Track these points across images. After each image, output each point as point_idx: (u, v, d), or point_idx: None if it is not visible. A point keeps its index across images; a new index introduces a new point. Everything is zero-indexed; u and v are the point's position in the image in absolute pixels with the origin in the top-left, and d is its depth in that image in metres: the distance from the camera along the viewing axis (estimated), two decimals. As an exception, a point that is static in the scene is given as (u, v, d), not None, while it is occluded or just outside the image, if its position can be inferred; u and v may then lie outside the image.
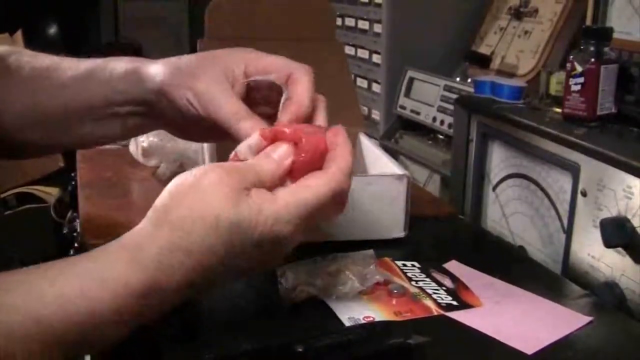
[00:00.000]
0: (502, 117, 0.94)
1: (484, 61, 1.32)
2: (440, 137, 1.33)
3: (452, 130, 1.09)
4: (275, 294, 0.67)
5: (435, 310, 0.67)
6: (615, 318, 0.70)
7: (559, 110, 0.91)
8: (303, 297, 0.66)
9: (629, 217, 0.74)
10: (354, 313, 0.65)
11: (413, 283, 0.72)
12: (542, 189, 0.89)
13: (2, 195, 1.74)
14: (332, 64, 1.00)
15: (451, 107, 1.21)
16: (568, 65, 0.88)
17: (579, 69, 0.87)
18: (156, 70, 0.69)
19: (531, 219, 0.92)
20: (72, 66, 0.75)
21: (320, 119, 0.65)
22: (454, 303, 0.68)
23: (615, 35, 0.88)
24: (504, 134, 0.94)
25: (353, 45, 1.56)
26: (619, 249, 0.75)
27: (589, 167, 0.79)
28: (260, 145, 0.59)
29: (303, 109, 0.64)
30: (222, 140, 0.68)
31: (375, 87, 1.51)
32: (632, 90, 0.88)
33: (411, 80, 1.40)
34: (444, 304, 0.68)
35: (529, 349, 0.61)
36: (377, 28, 1.48)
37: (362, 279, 0.69)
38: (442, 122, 1.29)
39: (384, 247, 0.78)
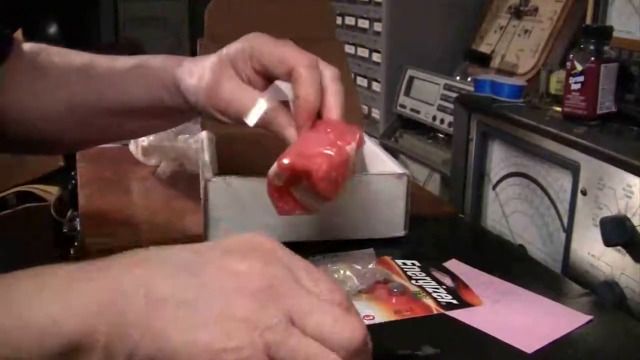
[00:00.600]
0: (502, 116, 0.94)
1: (484, 60, 1.32)
2: (440, 136, 1.33)
3: (452, 129, 1.09)
4: (275, 293, 0.67)
5: (435, 309, 0.67)
6: (615, 317, 0.70)
7: (559, 109, 0.91)
8: (303, 296, 0.66)
9: (629, 215, 0.74)
10: (354, 312, 0.65)
11: (413, 282, 0.72)
12: (542, 188, 0.89)
13: (2, 194, 1.74)
14: (332, 63, 1.00)
15: (451, 106, 1.21)
16: (568, 64, 0.88)
17: (579, 67, 0.86)
18: (191, 82, 0.70)
19: (531, 217, 0.92)
20: (106, 66, 0.76)
21: (332, 111, 0.65)
22: (454, 302, 0.68)
23: (615, 34, 0.88)
24: (504, 132, 0.94)
25: (353, 44, 1.56)
26: (619, 247, 0.75)
27: (589, 165, 0.79)
28: (282, 175, 0.62)
29: (309, 108, 0.64)
30: None
31: (375, 86, 1.51)
32: (632, 89, 0.88)
33: (411, 79, 1.40)
34: (444, 303, 0.68)
35: (529, 347, 0.61)
36: (377, 27, 1.48)
37: (362, 278, 0.69)
38: (442, 121, 1.29)
39: (384, 246, 0.78)
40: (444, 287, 0.71)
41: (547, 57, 1.23)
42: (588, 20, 0.96)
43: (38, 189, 1.76)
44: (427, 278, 0.73)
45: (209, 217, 0.77)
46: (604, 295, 0.75)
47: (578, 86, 0.87)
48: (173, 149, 1.01)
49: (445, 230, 0.90)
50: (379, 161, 0.89)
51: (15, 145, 0.82)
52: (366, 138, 0.95)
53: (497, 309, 0.68)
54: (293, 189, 0.63)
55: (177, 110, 0.74)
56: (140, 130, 0.83)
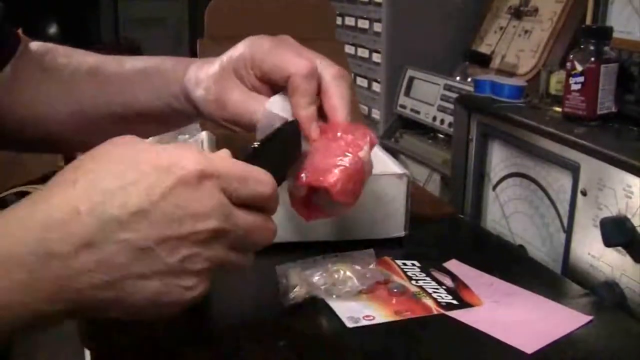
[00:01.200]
0: (502, 117, 0.94)
1: (484, 60, 1.33)
2: (440, 136, 1.33)
3: (452, 129, 1.09)
4: (275, 294, 0.67)
5: (435, 309, 0.67)
6: (615, 317, 0.70)
7: (559, 109, 0.91)
8: (303, 297, 0.66)
9: (629, 216, 0.74)
10: (354, 312, 0.65)
11: (413, 282, 0.72)
12: (542, 188, 0.89)
13: (2, 194, 1.74)
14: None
15: (451, 106, 1.21)
16: (568, 64, 0.88)
17: (579, 68, 0.87)
18: (204, 102, 0.70)
19: (531, 218, 0.92)
20: (117, 68, 0.76)
21: (337, 114, 0.65)
22: (454, 302, 0.68)
23: (615, 34, 0.88)
24: (504, 133, 0.94)
25: (353, 45, 1.56)
26: (619, 248, 0.75)
27: (589, 166, 0.79)
28: (302, 190, 0.63)
29: (306, 117, 0.64)
30: None
31: (375, 86, 1.51)
32: (632, 90, 0.88)
33: (411, 79, 1.40)
34: (444, 303, 0.68)
35: (529, 348, 0.61)
36: (377, 27, 1.48)
37: (362, 278, 0.69)
38: (442, 122, 1.29)
39: (384, 247, 0.78)
40: (444, 287, 0.71)
41: (547, 57, 1.23)
42: (588, 21, 0.96)
43: (38, 189, 1.76)
44: (427, 278, 0.73)
45: (209, 217, 0.77)
46: (604, 296, 0.75)
47: (578, 86, 0.87)
48: (173, 149, 1.01)
49: (445, 230, 0.90)
50: (379, 161, 0.88)
51: (18, 144, 0.82)
52: (366, 138, 0.95)
53: (497, 309, 0.68)
54: (314, 197, 0.64)
55: (186, 115, 0.74)
56: (148, 133, 0.84)
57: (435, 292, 0.70)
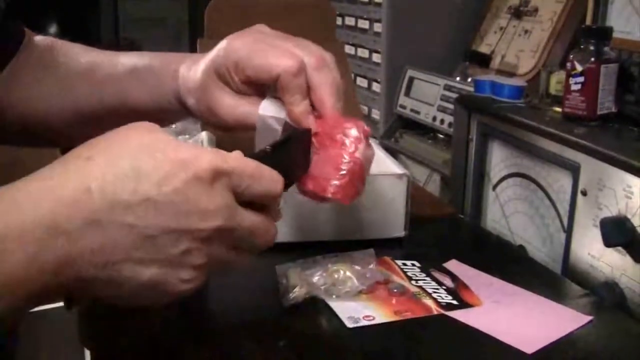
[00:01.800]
0: (502, 117, 0.94)
1: (484, 60, 1.33)
2: (440, 136, 1.33)
3: (452, 129, 1.09)
4: (275, 294, 0.67)
5: (435, 310, 0.67)
6: (615, 317, 0.70)
7: (559, 109, 0.91)
8: (303, 297, 0.66)
9: (629, 216, 0.74)
10: (354, 312, 0.65)
11: (413, 282, 0.72)
12: (542, 189, 0.89)
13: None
14: (332, 64, 1.00)
15: (451, 106, 1.21)
16: (568, 64, 0.88)
17: (579, 68, 0.86)
18: (196, 109, 0.70)
19: (531, 218, 0.92)
20: (110, 67, 0.76)
21: (326, 106, 0.64)
22: (454, 302, 0.68)
23: (615, 34, 0.88)
24: (504, 133, 0.94)
25: (353, 45, 1.56)
26: (619, 248, 0.75)
27: (589, 166, 0.79)
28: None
29: (300, 113, 0.64)
30: None
31: (375, 87, 1.51)
32: (632, 90, 0.88)
33: (411, 79, 1.40)
34: (444, 303, 0.68)
35: (529, 348, 0.61)
36: (377, 27, 1.48)
37: (362, 278, 0.69)
38: (442, 122, 1.29)
39: (384, 247, 0.78)
40: (444, 287, 0.71)
41: (547, 57, 1.23)
42: (588, 21, 0.96)
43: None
44: (427, 278, 0.73)
45: (209, 217, 0.77)
46: (604, 296, 0.75)
47: (578, 87, 0.87)
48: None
49: (445, 230, 0.90)
50: (379, 161, 0.88)
51: (19, 138, 0.83)
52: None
53: (497, 310, 0.68)
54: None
55: (180, 114, 0.74)
56: None
57: (435, 292, 0.70)
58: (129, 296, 0.50)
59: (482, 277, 0.74)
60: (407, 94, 1.40)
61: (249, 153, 0.54)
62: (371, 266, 0.70)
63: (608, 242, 0.75)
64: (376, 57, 1.50)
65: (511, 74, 1.27)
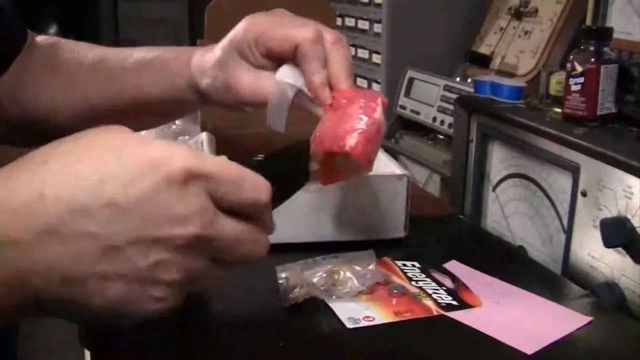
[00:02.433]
0: (502, 117, 0.94)
1: (484, 61, 1.32)
2: (440, 137, 1.33)
3: (452, 130, 1.09)
4: (275, 294, 0.67)
5: (435, 310, 0.67)
6: (615, 318, 0.70)
7: (559, 110, 0.91)
8: (303, 297, 0.66)
9: (629, 217, 0.74)
10: (354, 313, 0.65)
11: (413, 283, 0.72)
12: (542, 189, 0.89)
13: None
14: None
15: (451, 107, 1.21)
16: (568, 65, 0.88)
17: (579, 68, 0.86)
18: (213, 90, 0.71)
19: (531, 219, 0.92)
20: (120, 60, 0.76)
21: (340, 79, 0.66)
22: (454, 303, 0.68)
23: (615, 35, 0.88)
24: (504, 134, 0.94)
25: (353, 45, 1.56)
26: (619, 248, 0.75)
27: (589, 167, 0.79)
28: (320, 155, 0.64)
29: (319, 81, 0.65)
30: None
31: (375, 87, 1.51)
32: (632, 90, 0.88)
33: (411, 80, 1.40)
34: (444, 304, 0.68)
35: (529, 348, 0.61)
36: (377, 28, 1.48)
37: (362, 278, 0.69)
38: (442, 122, 1.29)
39: (384, 247, 0.78)
40: (444, 288, 0.71)
41: (547, 58, 1.23)
42: (588, 21, 0.96)
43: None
44: (427, 279, 0.73)
45: (209, 217, 0.77)
46: (604, 296, 0.75)
47: (578, 87, 0.86)
48: (173, 150, 1.01)
49: (445, 231, 0.90)
50: (379, 162, 0.88)
51: (25, 139, 0.82)
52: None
53: (497, 310, 0.68)
54: (332, 162, 0.66)
55: (191, 105, 0.74)
56: (153, 124, 0.84)
57: (435, 292, 0.70)
58: (92, 316, 0.44)
59: (482, 277, 0.74)
60: (407, 94, 1.40)
61: (240, 161, 0.49)
62: (371, 267, 0.70)
63: (608, 243, 0.75)
64: (376, 58, 1.50)
65: (511, 75, 1.27)
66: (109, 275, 0.43)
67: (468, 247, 0.88)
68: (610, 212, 0.77)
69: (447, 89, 1.29)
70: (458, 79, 1.32)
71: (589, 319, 0.66)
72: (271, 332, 0.63)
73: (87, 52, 0.78)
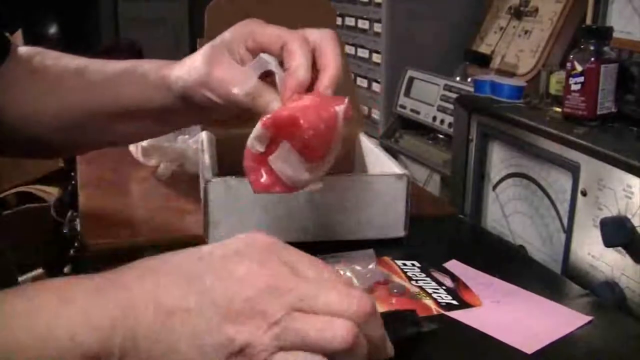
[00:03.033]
0: (502, 117, 0.94)
1: (484, 61, 1.32)
2: (440, 136, 1.33)
3: (452, 129, 1.09)
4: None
5: (435, 310, 0.67)
6: (615, 317, 0.70)
7: (559, 109, 0.91)
8: (303, 297, 0.66)
9: (629, 216, 0.74)
10: (354, 312, 0.65)
11: (413, 282, 0.72)
12: (542, 189, 0.89)
13: (2, 195, 1.74)
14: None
15: (451, 106, 1.21)
16: (568, 64, 0.88)
17: (579, 68, 0.86)
18: (178, 73, 0.70)
19: (531, 218, 0.92)
20: (99, 69, 0.76)
21: (323, 83, 0.64)
22: (454, 302, 0.68)
23: (615, 34, 0.88)
24: (504, 133, 0.94)
25: (353, 45, 1.56)
26: (619, 248, 0.75)
27: (589, 166, 0.79)
28: (265, 134, 0.61)
29: (299, 80, 0.64)
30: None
31: (375, 87, 1.51)
32: (632, 90, 0.88)
33: (411, 79, 1.40)
34: (443, 304, 0.68)
35: (529, 348, 0.61)
36: (377, 27, 1.48)
37: (362, 278, 0.69)
38: (442, 122, 1.29)
39: (384, 247, 0.78)
40: (443, 287, 0.71)
41: (547, 57, 1.23)
42: (588, 21, 0.96)
43: (38, 189, 1.76)
44: (427, 279, 0.73)
45: (208, 217, 0.77)
46: (604, 296, 0.75)
47: (578, 87, 0.87)
48: (173, 150, 1.01)
49: (445, 230, 0.90)
50: (379, 162, 0.89)
51: (9, 148, 0.82)
52: (366, 139, 0.95)
53: (497, 310, 0.68)
54: (273, 159, 0.62)
55: (167, 110, 0.73)
56: (135, 135, 0.83)
57: (435, 292, 0.70)
58: None
59: (482, 277, 0.74)
60: (407, 94, 1.40)
61: None
62: (371, 266, 0.70)
63: (608, 242, 0.75)
64: (376, 57, 1.50)
65: (511, 74, 1.27)
66: None
67: (468, 247, 0.88)
68: (610, 212, 0.77)
69: (447, 88, 1.29)
70: (458, 79, 1.32)
71: (589, 318, 0.66)
72: (271, 331, 0.63)
73: (70, 61, 0.78)
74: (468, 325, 0.65)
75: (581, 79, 0.86)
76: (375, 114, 1.52)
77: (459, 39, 1.43)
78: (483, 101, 1.00)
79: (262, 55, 0.66)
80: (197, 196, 0.86)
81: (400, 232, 0.81)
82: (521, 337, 0.62)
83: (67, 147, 0.83)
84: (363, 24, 1.53)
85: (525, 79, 1.21)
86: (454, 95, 1.20)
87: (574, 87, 0.87)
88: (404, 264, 0.75)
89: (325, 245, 0.75)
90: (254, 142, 0.61)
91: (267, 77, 0.67)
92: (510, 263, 0.82)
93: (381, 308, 0.66)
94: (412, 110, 1.38)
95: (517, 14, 1.34)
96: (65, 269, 1.15)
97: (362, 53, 1.54)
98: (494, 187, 0.99)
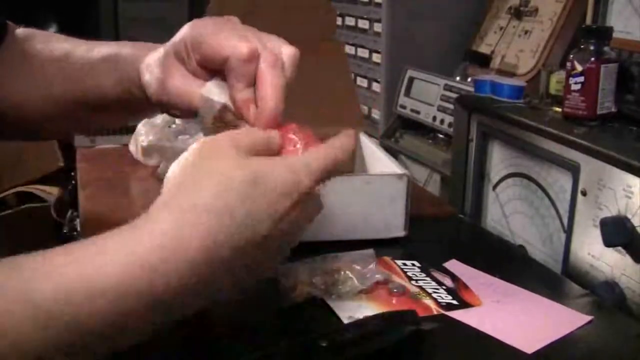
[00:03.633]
0: (502, 117, 0.94)
1: (484, 60, 1.33)
2: (440, 136, 1.33)
3: (452, 129, 1.09)
4: (275, 294, 0.67)
5: (435, 310, 0.67)
6: (615, 317, 0.70)
7: (559, 109, 0.91)
8: (303, 297, 0.66)
9: (629, 216, 0.74)
10: (354, 312, 0.65)
11: (413, 282, 0.72)
12: (542, 189, 0.89)
13: (2, 195, 1.74)
14: (332, 64, 1.00)
15: (451, 106, 1.21)
16: (568, 64, 0.88)
17: (579, 68, 0.86)
18: (148, 85, 0.68)
19: (531, 218, 0.92)
20: (83, 55, 0.75)
21: (267, 103, 0.61)
22: (454, 302, 0.68)
23: (615, 34, 0.88)
24: (504, 133, 0.94)
25: (353, 45, 1.56)
26: (619, 248, 0.75)
27: (589, 166, 0.79)
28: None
29: (242, 100, 0.62)
30: None
31: (375, 87, 1.51)
32: (632, 90, 0.88)
33: (411, 79, 1.40)
34: (444, 303, 0.68)
35: (529, 348, 0.61)
36: (377, 27, 1.48)
37: (362, 278, 0.69)
38: (442, 122, 1.29)
39: (384, 247, 0.78)
40: (444, 287, 0.71)
41: (547, 57, 1.23)
42: (588, 21, 0.96)
43: (38, 189, 1.76)
44: (427, 278, 0.73)
45: (209, 217, 0.77)
46: (604, 296, 0.75)
47: (578, 87, 0.87)
48: (173, 150, 1.01)
49: (446, 230, 0.90)
50: (379, 161, 0.89)
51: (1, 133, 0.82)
52: (366, 139, 0.95)
53: (497, 310, 0.68)
54: None
55: (145, 104, 0.72)
56: (113, 121, 0.85)
57: (435, 292, 0.70)
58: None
59: (482, 277, 0.74)
60: (407, 94, 1.40)
61: None
62: (371, 266, 0.70)
63: (608, 242, 0.75)
64: (376, 57, 1.50)
65: (511, 74, 1.27)
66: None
67: (468, 247, 0.88)
68: (610, 212, 0.77)
69: (447, 88, 1.29)
70: (458, 79, 1.32)
71: (589, 318, 0.66)
72: (271, 332, 0.63)
73: (57, 44, 0.77)
74: (468, 325, 0.65)
75: (581, 79, 0.86)
76: (375, 114, 1.52)
77: (459, 39, 1.43)
78: (483, 101, 1.00)
79: (204, 94, 0.64)
80: (197, 196, 0.86)
81: (400, 232, 0.81)
82: (521, 337, 0.62)
83: (56, 132, 0.86)
84: (363, 24, 1.53)
85: (525, 79, 1.21)
86: (454, 95, 1.20)
87: (574, 87, 0.87)
88: (404, 264, 0.75)
89: (325, 245, 0.75)
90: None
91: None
92: (510, 263, 0.82)
93: (381, 308, 0.67)
94: (412, 110, 1.38)
95: (517, 14, 1.34)
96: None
97: (362, 53, 1.54)
98: (494, 187, 0.99)
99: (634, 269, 0.74)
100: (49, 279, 0.46)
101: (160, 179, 1.00)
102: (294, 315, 0.65)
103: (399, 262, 0.76)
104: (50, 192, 1.73)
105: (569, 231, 0.83)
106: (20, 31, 0.80)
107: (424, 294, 0.69)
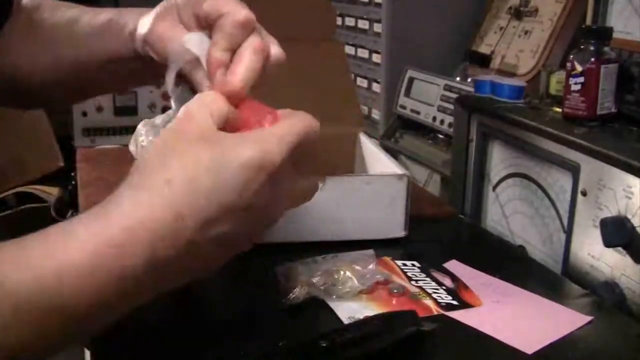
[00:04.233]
0: (502, 117, 0.94)
1: (484, 61, 1.33)
2: (440, 136, 1.33)
3: (452, 129, 1.09)
4: (275, 294, 0.67)
5: (435, 310, 0.67)
6: (615, 318, 0.70)
7: (559, 109, 0.91)
8: (303, 297, 0.66)
9: (629, 216, 0.74)
10: (354, 312, 0.65)
11: (413, 282, 0.72)
12: (542, 189, 0.89)
13: (2, 195, 1.74)
14: (332, 64, 1.00)
15: (451, 106, 1.21)
16: (568, 64, 0.88)
17: (579, 68, 0.86)
18: (138, 36, 0.68)
19: (531, 218, 0.92)
20: (89, 21, 0.75)
21: (235, 73, 0.59)
22: (454, 302, 0.68)
23: (615, 34, 0.88)
24: (504, 133, 0.94)
25: (353, 45, 1.56)
26: (619, 248, 0.75)
27: (589, 166, 0.79)
28: None
29: (215, 63, 0.60)
30: None
31: (375, 87, 1.51)
32: (632, 90, 0.88)
33: (411, 79, 1.40)
34: (443, 304, 0.68)
35: (529, 348, 0.61)
36: (377, 27, 1.48)
37: (362, 278, 0.69)
38: (442, 122, 1.29)
39: (384, 247, 0.78)
40: (443, 287, 0.71)
41: (547, 57, 1.23)
42: (588, 21, 0.96)
43: (38, 189, 1.76)
44: (427, 279, 0.73)
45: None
46: (604, 296, 0.75)
47: (578, 87, 0.87)
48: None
49: (446, 231, 0.90)
50: (379, 162, 0.89)
51: (7, 101, 0.83)
52: (366, 139, 0.95)
53: (497, 310, 0.68)
54: None
55: (140, 63, 0.72)
56: (122, 85, 0.85)
57: (435, 292, 0.70)
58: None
59: (482, 277, 0.74)
60: (407, 94, 1.40)
61: None
62: (371, 266, 0.70)
63: (608, 243, 0.75)
64: (376, 58, 1.50)
65: (511, 74, 1.27)
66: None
67: (468, 247, 0.88)
68: (610, 212, 0.77)
69: (447, 88, 1.29)
70: (458, 79, 1.32)
71: (589, 318, 0.66)
72: (271, 332, 0.63)
73: (65, 12, 0.78)
74: (468, 325, 0.65)
75: (581, 79, 0.86)
76: (375, 114, 1.52)
77: (459, 39, 1.43)
78: (483, 101, 1.00)
79: (185, 40, 0.62)
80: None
81: (400, 232, 0.81)
82: (521, 337, 0.62)
83: (62, 98, 0.86)
84: (363, 24, 1.53)
85: (525, 79, 1.21)
86: (454, 95, 1.20)
87: (574, 87, 0.87)
88: (404, 264, 0.75)
89: (325, 245, 0.75)
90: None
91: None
92: (510, 263, 0.82)
93: (381, 308, 0.67)
94: (412, 110, 1.38)
95: (517, 14, 1.34)
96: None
97: (362, 53, 1.54)
98: (494, 187, 0.99)
99: (634, 269, 0.74)
100: (19, 266, 0.48)
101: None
102: (294, 315, 0.65)
103: (399, 262, 0.76)
104: (50, 192, 1.74)
105: (569, 231, 0.83)
106: (28, 1, 0.80)
107: (424, 294, 0.69)
